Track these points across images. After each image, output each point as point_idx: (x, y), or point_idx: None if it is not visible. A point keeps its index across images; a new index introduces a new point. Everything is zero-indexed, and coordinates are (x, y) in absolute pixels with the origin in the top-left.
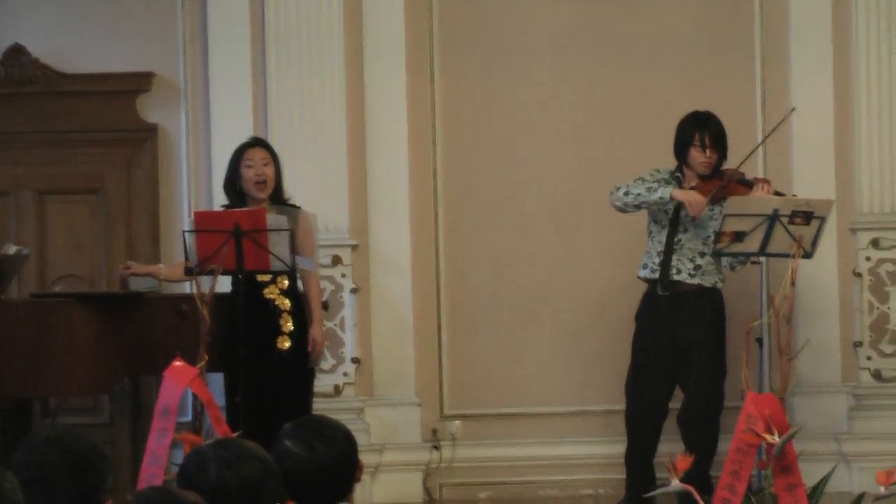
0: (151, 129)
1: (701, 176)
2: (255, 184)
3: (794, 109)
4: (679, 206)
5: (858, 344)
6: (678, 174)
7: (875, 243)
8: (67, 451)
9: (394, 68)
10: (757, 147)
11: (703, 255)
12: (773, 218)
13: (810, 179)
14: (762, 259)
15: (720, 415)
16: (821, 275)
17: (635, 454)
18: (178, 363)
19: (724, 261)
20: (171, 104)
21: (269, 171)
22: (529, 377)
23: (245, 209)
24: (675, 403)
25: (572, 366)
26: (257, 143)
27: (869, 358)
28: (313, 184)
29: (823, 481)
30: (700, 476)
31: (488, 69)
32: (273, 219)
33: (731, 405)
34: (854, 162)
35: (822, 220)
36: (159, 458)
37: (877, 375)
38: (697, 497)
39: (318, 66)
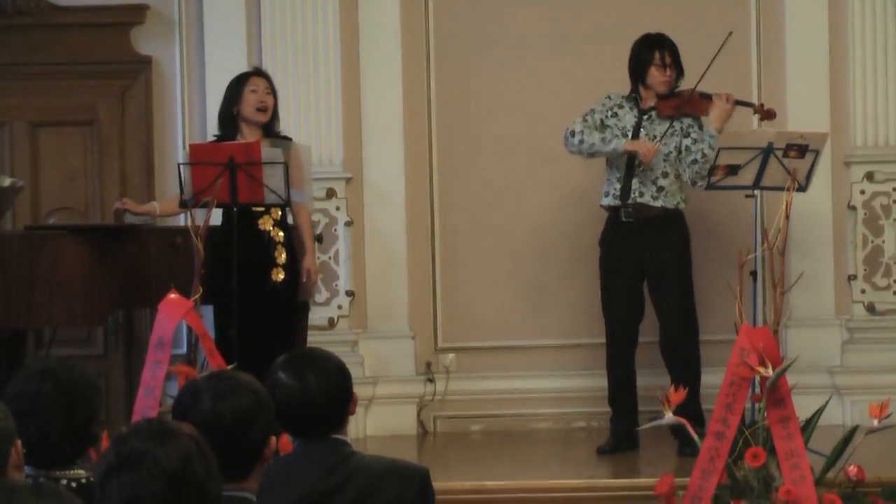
0: (145, 62)
1: (660, 95)
2: (256, 109)
3: (731, 34)
4: (637, 127)
5: (852, 277)
6: (634, 94)
7: (869, 176)
8: (60, 382)
9: None
10: (707, 67)
11: (665, 175)
12: (768, 151)
13: (805, 112)
14: (756, 192)
15: (698, 340)
16: (815, 208)
17: (616, 393)
18: (172, 295)
19: (685, 175)
20: (164, 36)
21: (270, 99)
22: (521, 310)
23: (240, 142)
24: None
25: (565, 299)
26: (261, 73)
27: (863, 291)
28: (307, 116)
29: (816, 415)
30: (691, 407)
31: (484, 2)
32: (268, 152)
33: (723, 338)
34: (848, 95)
35: (817, 153)
36: (154, 391)
37: (870, 309)
38: (691, 430)
39: None
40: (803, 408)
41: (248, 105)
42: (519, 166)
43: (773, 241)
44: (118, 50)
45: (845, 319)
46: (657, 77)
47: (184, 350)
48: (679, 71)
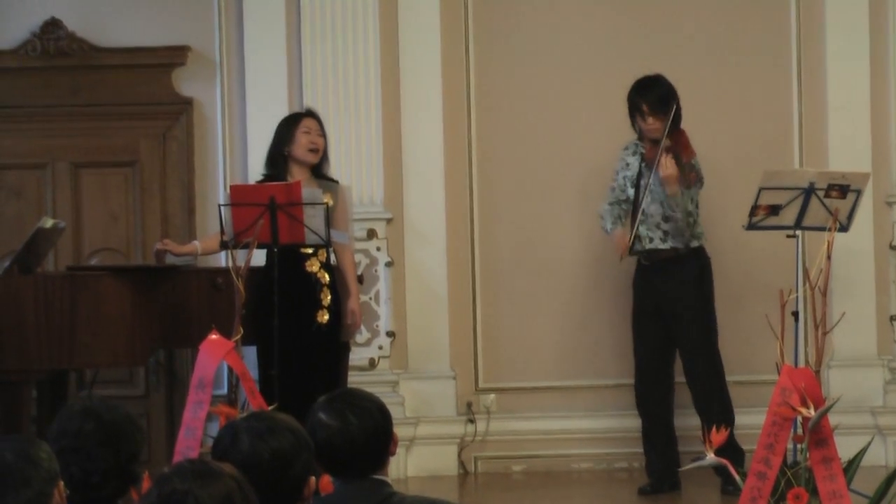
0: (187, 102)
1: (652, 141)
2: (308, 150)
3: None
4: (639, 175)
5: (894, 318)
6: (638, 141)
7: None
8: (103, 421)
9: (429, 39)
10: (665, 130)
11: (666, 219)
12: (809, 191)
13: (846, 152)
14: (798, 233)
15: (723, 375)
16: (857, 248)
17: (649, 431)
18: (213, 336)
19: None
20: (206, 77)
21: (322, 141)
22: (564, 350)
23: (280, 183)
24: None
25: (607, 338)
26: (314, 114)
27: None
28: (348, 156)
29: (859, 455)
30: (730, 446)
31: (525, 37)
32: (308, 192)
33: (765, 378)
34: (890, 134)
35: (859, 193)
36: (195, 431)
37: None
38: (733, 471)
39: (353, 36)
40: (846, 448)
41: (300, 146)
42: (560, 205)
43: (814, 281)
44: (160, 91)
45: (887, 359)
46: (643, 126)
47: (225, 390)
48: (667, 116)
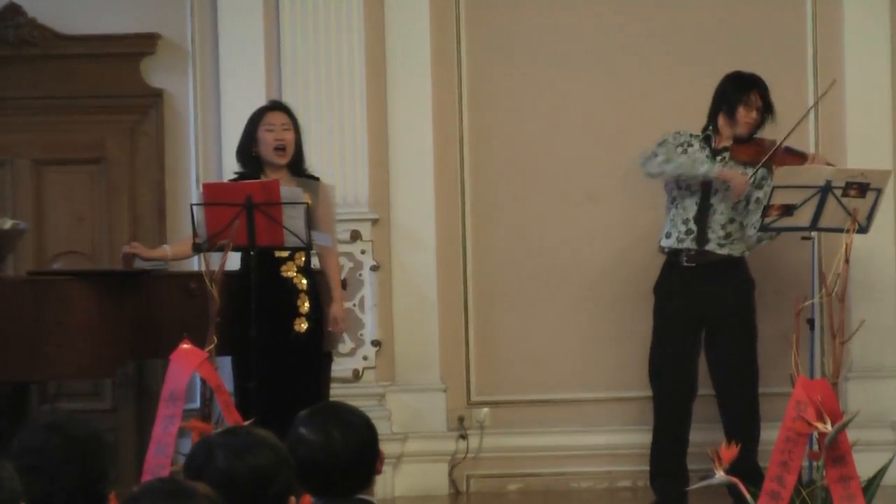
0: (157, 95)
1: (737, 139)
2: (274, 149)
3: (834, 82)
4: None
5: None
6: (709, 133)
7: None
8: (68, 437)
9: (418, 29)
10: (800, 121)
11: (732, 221)
12: (826, 190)
13: (865, 148)
14: (814, 234)
15: (758, 391)
16: (877, 251)
17: (664, 442)
18: (185, 346)
19: (749, 228)
20: (177, 68)
21: (290, 136)
22: (563, 361)
23: (257, 180)
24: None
25: (609, 349)
26: (278, 106)
27: None
28: (330, 153)
29: (880, 473)
30: (748, 465)
31: (521, 28)
32: (287, 191)
33: (780, 391)
34: None
35: (879, 191)
36: (166, 448)
37: None
38: (744, 489)
39: (336, 25)
40: (865, 466)
41: (265, 146)
42: (559, 205)
43: (831, 287)
44: (128, 82)
45: None
46: (744, 118)
47: (198, 404)
48: (763, 119)
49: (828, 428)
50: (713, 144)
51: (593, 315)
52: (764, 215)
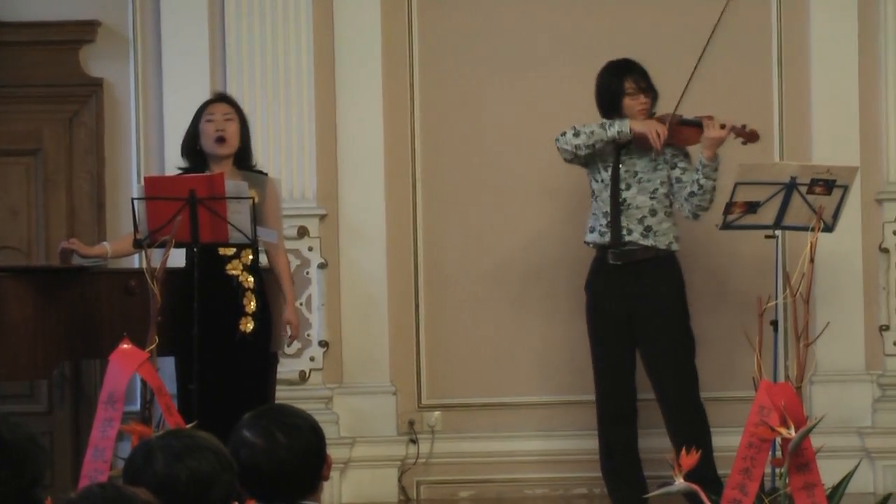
0: (96, 84)
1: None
2: (214, 140)
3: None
4: (618, 163)
5: (884, 328)
6: None
7: None
8: (2, 441)
9: (368, 14)
10: (683, 93)
11: (653, 212)
12: (791, 187)
13: (832, 144)
14: (778, 233)
15: (699, 395)
16: (843, 250)
17: (610, 452)
18: (125, 346)
19: (685, 209)
20: (118, 56)
21: (232, 127)
22: (517, 363)
23: (201, 174)
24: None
25: (564, 350)
26: (220, 97)
27: None
28: (277, 146)
29: (845, 481)
30: (703, 471)
31: (476, 20)
32: (232, 185)
33: (741, 395)
34: (881, 124)
35: (845, 189)
36: (104, 452)
37: None
38: (704, 498)
39: (283, 14)
40: (830, 473)
41: (205, 137)
42: (512, 203)
43: (796, 288)
44: (66, 71)
45: (877, 375)
46: (633, 106)
47: (137, 407)
48: (654, 95)
49: (791, 433)
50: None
51: (548, 316)
52: (727, 212)
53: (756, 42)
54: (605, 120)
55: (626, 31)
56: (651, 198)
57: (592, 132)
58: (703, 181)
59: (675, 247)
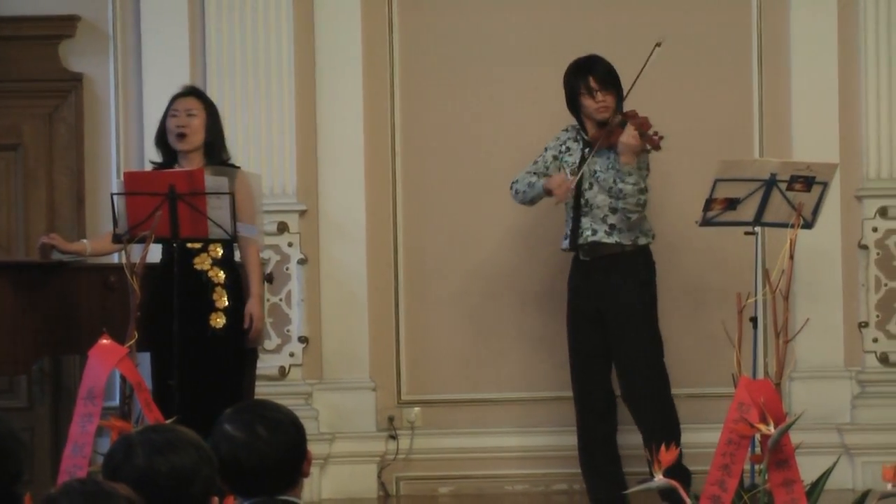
0: (76, 79)
1: (599, 123)
2: (175, 136)
3: (658, 45)
4: (582, 161)
5: (864, 324)
6: (579, 126)
7: (883, 212)
8: None
9: (349, 14)
10: (632, 85)
11: (613, 210)
12: (770, 183)
13: (812, 140)
14: (758, 229)
15: (668, 389)
16: (823, 247)
17: (588, 448)
18: (104, 341)
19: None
20: (98, 51)
21: (195, 122)
22: (497, 359)
23: (182, 170)
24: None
25: (544, 347)
26: (187, 91)
27: (875, 340)
28: (257, 141)
29: (824, 477)
30: (675, 465)
31: (456, 14)
32: (213, 181)
33: (721, 392)
34: (860, 121)
35: (825, 185)
36: (83, 447)
37: (884, 360)
38: (684, 494)
39: (263, 9)
40: (809, 469)
41: (169, 132)
42: (493, 199)
43: (775, 284)
44: (46, 66)
45: (856, 371)
46: (590, 106)
47: (117, 402)
48: (617, 93)
49: (771, 430)
50: (585, 136)
51: (528, 312)
52: (707, 209)
53: (736, 39)
54: (531, 178)
55: (605, 29)
56: (610, 196)
57: (525, 193)
58: (621, 185)
59: (643, 241)
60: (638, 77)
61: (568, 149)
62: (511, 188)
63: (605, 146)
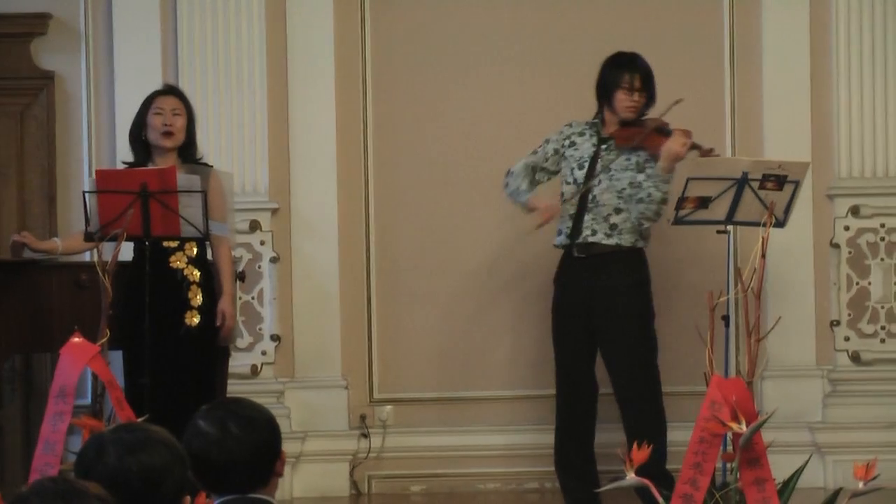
0: (47, 77)
1: (622, 122)
2: (161, 133)
3: (678, 101)
4: (595, 157)
5: (835, 323)
6: (597, 121)
7: (855, 211)
8: None
9: (320, 9)
10: (669, 107)
11: (618, 211)
12: (742, 182)
13: (783, 139)
14: (730, 228)
15: (661, 393)
16: (794, 246)
17: (565, 447)
18: (76, 339)
19: (632, 213)
20: (69, 49)
21: (180, 121)
22: (470, 357)
23: (154, 168)
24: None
25: (517, 345)
26: (169, 90)
27: (847, 339)
28: (229, 140)
29: (795, 475)
30: (656, 467)
31: (429, 11)
32: (184, 179)
33: (692, 390)
34: (832, 120)
35: (797, 184)
36: (54, 446)
37: (855, 358)
38: (656, 493)
39: (235, 8)
40: (781, 468)
41: (153, 130)
42: (465, 197)
43: (747, 283)
44: (17, 63)
45: (827, 370)
46: (623, 101)
47: (88, 400)
48: (649, 97)
49: (742, 428)
50: (602, 131)
51: (500, 310)
52: (679, 207)
53: (708, 38)
54: (521, 185)
55: (577, 28)
56: (618, 196)
57: (512, 193)
58: (651, 190)
59: (640, 244)
60: (675, 103)
61: (573, 143)
62: (506, 176)
63: (635, 147)
